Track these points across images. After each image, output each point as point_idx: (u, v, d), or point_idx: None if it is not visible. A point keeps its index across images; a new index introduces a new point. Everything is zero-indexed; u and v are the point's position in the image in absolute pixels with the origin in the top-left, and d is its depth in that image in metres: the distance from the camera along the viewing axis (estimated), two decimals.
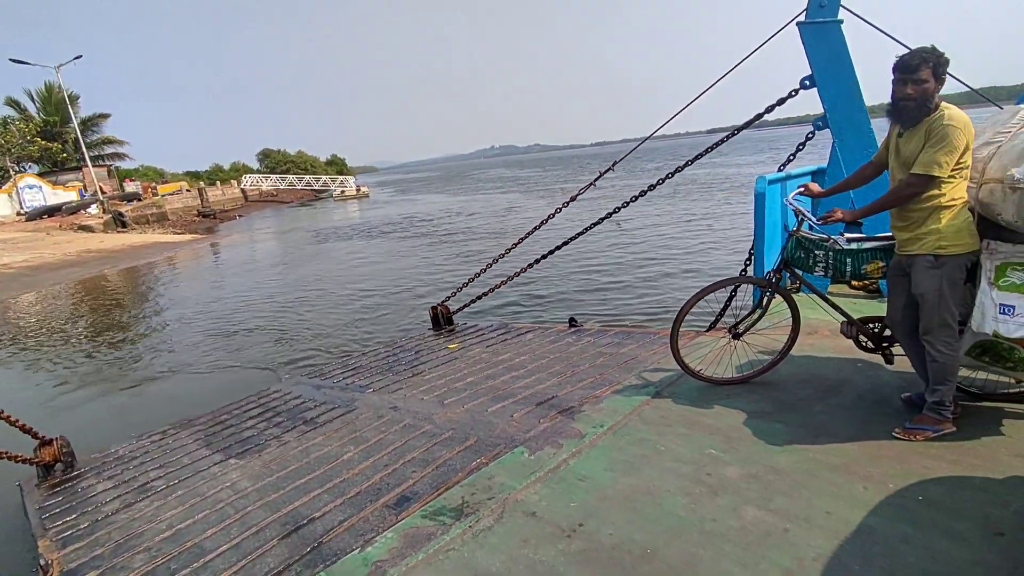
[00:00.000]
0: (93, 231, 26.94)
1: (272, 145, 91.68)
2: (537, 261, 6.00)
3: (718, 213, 16.81)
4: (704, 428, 2.78)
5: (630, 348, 4.29)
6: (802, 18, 4.33)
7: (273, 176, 55.57)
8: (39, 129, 35.43)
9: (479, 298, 6.57)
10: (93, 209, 30.60)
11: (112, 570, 2.57)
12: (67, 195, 33.55)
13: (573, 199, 5.94)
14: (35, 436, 3.96)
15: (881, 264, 2.78)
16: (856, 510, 2.04)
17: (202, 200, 37.63)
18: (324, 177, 55.42)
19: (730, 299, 4.70)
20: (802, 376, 3.23)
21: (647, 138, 6.04)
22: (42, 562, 2.75)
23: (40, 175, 34.66)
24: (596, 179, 5.96)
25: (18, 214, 31.32)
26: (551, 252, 5.96)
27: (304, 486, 2.95)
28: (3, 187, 32.58)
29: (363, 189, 51.05)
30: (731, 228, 13.89)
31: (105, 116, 40.12)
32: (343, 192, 49.55)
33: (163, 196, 36.09)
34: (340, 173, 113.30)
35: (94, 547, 2.82)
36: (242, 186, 50.15)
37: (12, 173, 33.66)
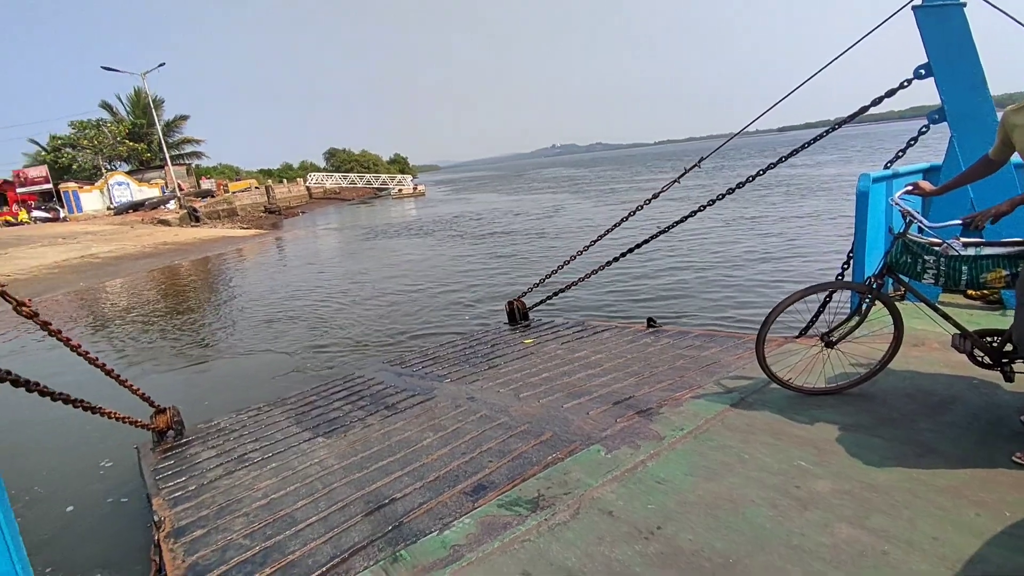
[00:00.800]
0: (170, 225, 29.17)
1: (338, 144, 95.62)
2: (616, 259, 5.91)
3: (803, 215, 15.85)
4: (792, 439, 2.64)
5: (712, 352, 4.16)
6: (918, 1, 4.02)
7: (336, 174, 57.96)
8: (128, 131, 38.70)
9: (555, 295, 6.58)
10: (171, 205, 33.11)
11: (215, 530, 2.76)
12: (151, 191, 36.45)
13: (656, 196, 5.69)
14: (152, 404, 4.32)
15: (1004, 273, 2.52)
16: (967, 537, 1.87)
17: (268, 197, 39.83)
18: (383, 176, 57.28)
19: (824, 305, 4.38)
20: (905, 390, 3.02)
21: (736, 134, 5.56)
22: (156, 518, 2.98)
23: (128, 173, 37.83)
24: (680, 176, 5.66)
25: (108, 208, 34.31)
26: (631, 250, 5.81)
27: (386, 467, 3.06)
28: (96, 184, 35.77)
29: (419, 188, 52.46)
30: (818, 231, 13.11)
31: (185, 118, 43.33)
32: (400, 191, 51.11)
33: (233, 193, 38.52)
34: (402, 171, 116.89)
35: (200, 508, 3.03)
36: (307, 184, 52.67)
37: (104, 171, 36.93)
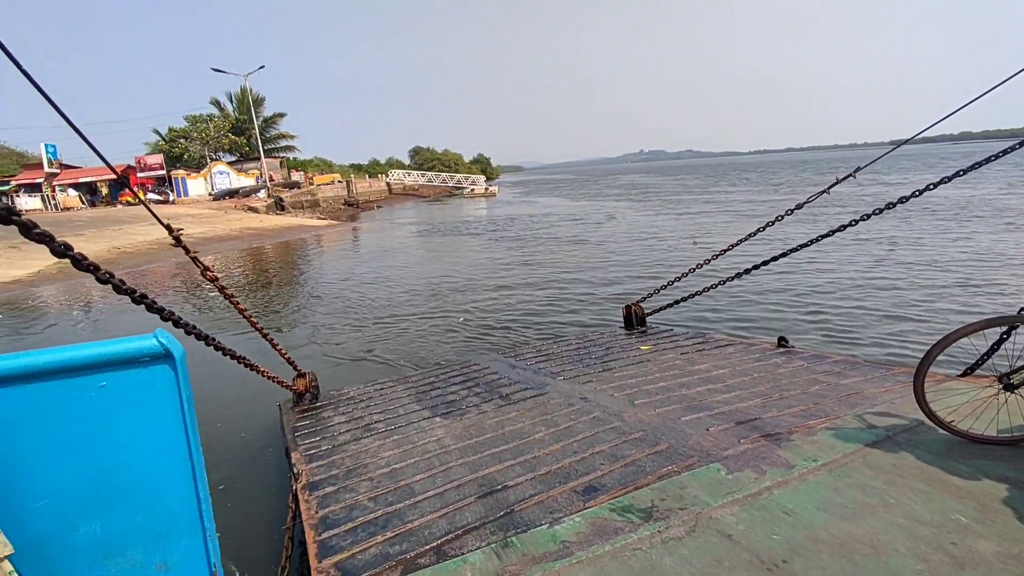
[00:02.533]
0: (257, 212, 32.09)
1: (424, 143, 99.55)
2: (747, 271, 5.57)
3: (964, 238, 13.63)
4: (951, 489, 2.38)
5: (853, 380, 3.85)
6: None
7: (415, 172, 60.72)
8: (231, 125, 42.83)
9: (677, 303, 6.38)
10: (261, 194, 36.34)
11: (344, 489, 2.95)
12: (247, 181, 40.13)
13: (799, 207, 5.18)
14: (295, 368, 4.63)
15: None
16: None
17: (348, 191, 42.62)
18: (458, 176, 59.25)
19: (1000, 341, 3.88)
20: None
21: (906, 142, 4.64)
22: (295, 471, 3.24)
23: (229, 163, 41.85)
24: (830, 187, 4.96)
25: (209, 194, 38.18)
26: (766, 263, 5.41)
27: (499, 455, 3.13)
28: (201, 172, 39.92)
29: (491, 189, 53.91)
30: (984, 258, 11.40)
31: (282, 115, 47.29)
32: (473, 190, 52.83)
33: (318, 186, 41.56)
34: (483, 171, 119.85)
35: (331, 468, 3.24)
36: (387, 180, 55.60)
37: (208, 161, 41.12)
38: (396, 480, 2.97)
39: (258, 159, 41.54)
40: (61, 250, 1.52)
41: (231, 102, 45.47)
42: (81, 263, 1.65)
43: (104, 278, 1.78)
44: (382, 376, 5.72)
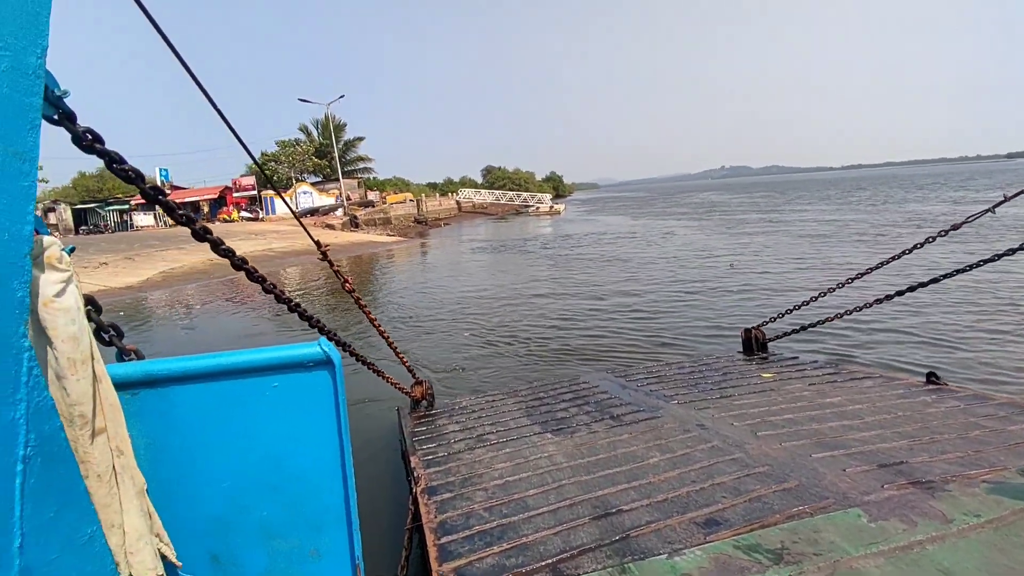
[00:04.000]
0: (334, 229, 34.77)
1: (498, 161, 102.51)
2: (889, 298, 5.14)
3: None
4: None
5: (1023, 427, 3.47)
6: None
7: (484, 191, 62.85)
8: (315, 149, 46.63)
9: (803, 329, 5.95)
10: (338, 212, 39.24)
11: (460, 497, 3.00)
12: (327, 200, 43.47)
13: (956, 228, 4.75)
14: (413, 375, 4.74)
15: None
16: None
17: (418, 209, 45.00)
18: (525, 194, 60.74)
19: None
20: None
21: None
22: (415, 474, 3.33)
23: (313, 184, 45.49)
24: (995, 206, 4.55)
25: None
26: (912, 289, 4.98)
27: (612, 477, 3.08)
28: (287, 191, 43.70)
29: (556, 207, 54.87)
30: None
31: (360, 139, 51.05)
32: (538, 209, 54.03)
33: (390, 204, 44.26)
34: (555, 189, 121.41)
35: (447, 475, 3.31)
36: (457, 198, 57.97)
37: (294, 181, 44.94)
38: (510, 493, 3.01)
39: (338, 179, 44.97)
40: (239, 263, 1.82)
41: (316, 128, 49.58)
42: (253, 275, 1.94)
43: (269, 288, 2.08)
44: (477, 386, 6.17)
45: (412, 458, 3.61)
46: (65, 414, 1.23)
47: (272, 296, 2.13)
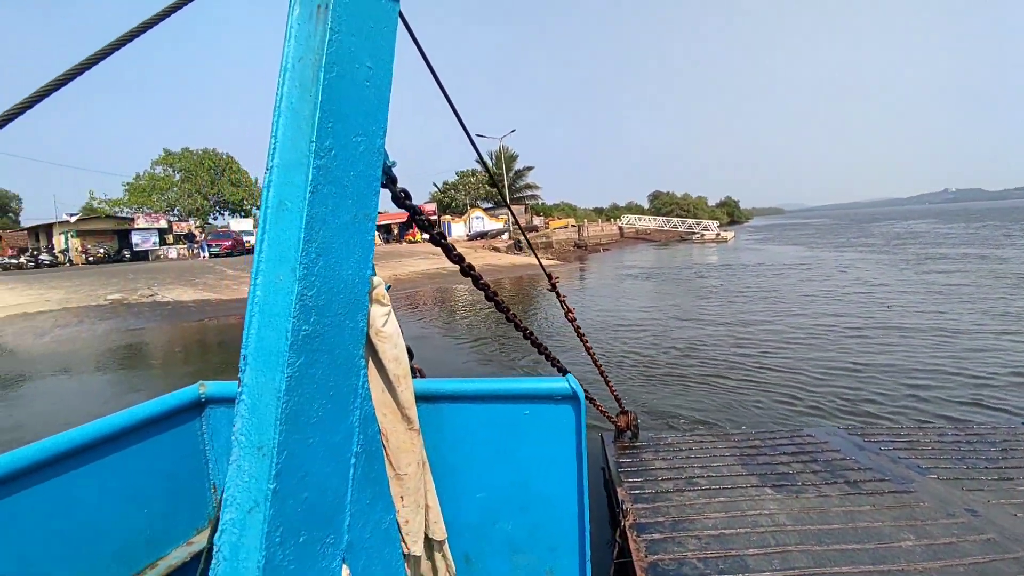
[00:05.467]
0: (499, 251, 37.76)
1: (667, 186, 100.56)
2: None
3: None
4: None
5: None
6: None
7: (646, 217, 62.46)
8: (488, 179, 50.97)
9: None
10: (505, 236, 42.38)
11: (671, 541, 2.87)
12: (496, 224, 47.19)
13: None
14: (619, 404, 4.61)
15: None
16: None
17: (579, 234, 46.57)
18: (690, 221, 59.01)
19: None
20: None
21: None
22: (623, 507, 3.23)
23: (485, 210, 49.75)
24: None
25: (466, 235, 46.03)
26: None
27: (851, 554, 2.77)
28: (462, 216, 48.36)
29: (723, 234, 52.50)
30: None
31: (530, 168, 54.65)
32: (703, 236, 52.23)
33: (552, 229, 46.50)
34: (730, 215, 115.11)
35: (656, 514, 3.17)
36: (619, 224, 58.49)
37: (468, 207, 49.57)
38: (726, 547, 2.84)
39: (507, 206, 48.58)
40: (468, 272, 1.90)
41: (491, 159, 54.20)
42: (483, 287, 2.06)
43: (504, 310, 2.21)
44: (670, 419, 6.20)
45: (619, 490, 3.53)
46: (399, 416, 1.50)
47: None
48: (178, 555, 2.06)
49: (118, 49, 1.10)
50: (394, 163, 1.39)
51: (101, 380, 10.94)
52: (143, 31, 1.13)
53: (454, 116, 1.87)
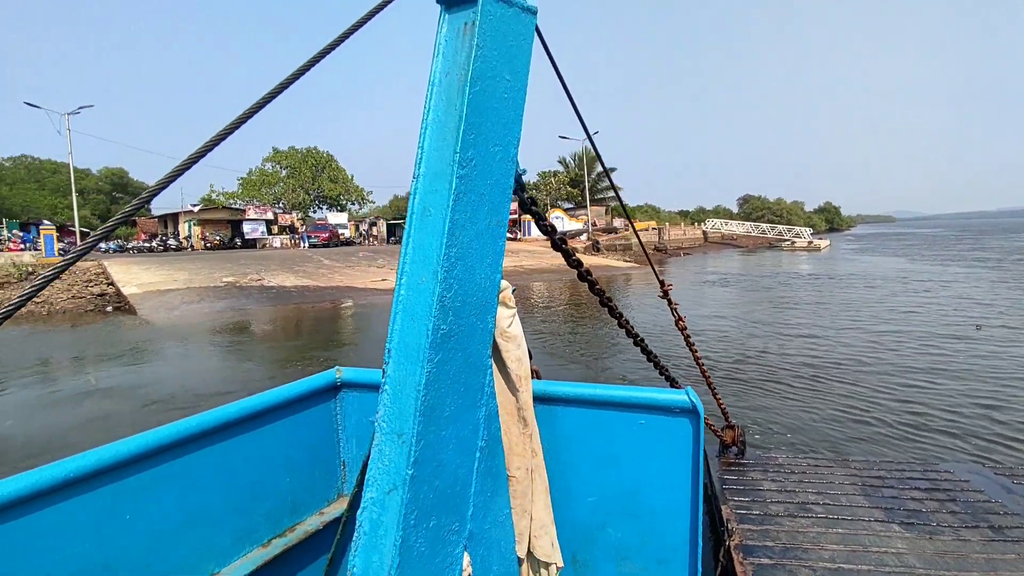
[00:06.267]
0: (577, 252, 37.96)
1: (757, 190, 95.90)
2: None
3: None
4: None
5: None
6: None
7: (732, 221, 60.26)
8: (570, 180, 51.35)
9: None
10: (583, 236, 42.64)
11: (781, 568, 2.72)
12: (576, 225, 47.49)
13: None
14: (726, 417, 4.39)
15: None
16: None
17: (659, 237, 45.89)
18: (780, 227, 56.31)
19: None
20: None
21: None
22: (728, 526, 3.12)
23: (565, 210, 50.17)
24: None
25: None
26: None
27: None
28: None
29: (816, 242, 49.78)
30: None
31: (612, 170, 53.91)
32: (793, 243, 49.72)
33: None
34: (829, 222, 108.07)
35: (764, 538, 3.00)
36: (704, 228, 56.88)
37: (548, 208, 50.19)
38: None
39: (586, 207, 48.76)
40: (585, 277, 1.89)
41: (573, 160, 54.55)
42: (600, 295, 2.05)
43: (617, 315, 2.18)
44: (779, 437, 5.85)
45: (724, 508, 3.38)
46: (517, 417, 1.52)
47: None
48: (313, 523, 2.22)
49: (312, 66, 1.16)
50: (524, 171, 1.42)
51: (219, 348, 12.69)
52: (332, 49, 1.18)
53: (579, 122, 1.91)
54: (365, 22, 1.24)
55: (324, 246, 39.63)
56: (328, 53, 1.18)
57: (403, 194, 64.12)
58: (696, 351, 3.68)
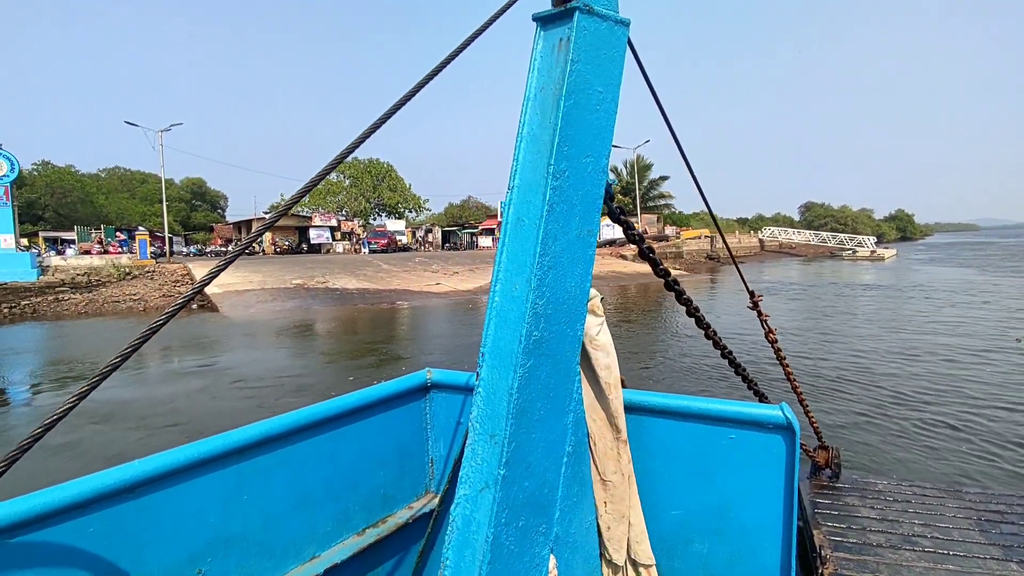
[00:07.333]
0: (626, 259, 38.43)
1: (820, 197, 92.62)
2: None
3: None
4: None
5: None
6: None
7: (791, 229, 58.65)
8: (621, 188, 51.55)
9: None
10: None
11: None
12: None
13: None
14: (819, 437, 4.24)
15: None
16: None
17: (711, 246, 45.43)
18: (841, 235, 54.37)
19: None
20: None
21: None
22: (821, 553, 2.97)
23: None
24: None
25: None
26: None
27: None
28: None
29: (879, 252, 47.80)
30: None
31: (665, 178, 53.99)
32: (855, 253, 48.01)
33: (684, 240, 45.90)
34: (901, 231, 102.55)
35: (862, 568, 2.82)
36: (760, 236, 55.68)
37: None
38: None
39: (637, 214, 48.88)
40: (673, 287, 1.84)
41: (625, 168, 54.76)
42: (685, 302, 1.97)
43: (704, 326, 2.11)
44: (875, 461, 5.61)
45: (816, 533, 3.20)
46: (608, 423, 1.57)
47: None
48: (403, 515, 2.26)
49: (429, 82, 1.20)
50: (614, 181, 1.43)
51: (292, 339, 14.22)
52: (452, 59, 1.23)
53: (668, 129, 1.90)
54: (479, 34, 1.28)
55: (383, 251, 41.70)
56: (444, 68, 1.24)
57: (457, 202, 65.99)
58: (787, 364, 3.53)
